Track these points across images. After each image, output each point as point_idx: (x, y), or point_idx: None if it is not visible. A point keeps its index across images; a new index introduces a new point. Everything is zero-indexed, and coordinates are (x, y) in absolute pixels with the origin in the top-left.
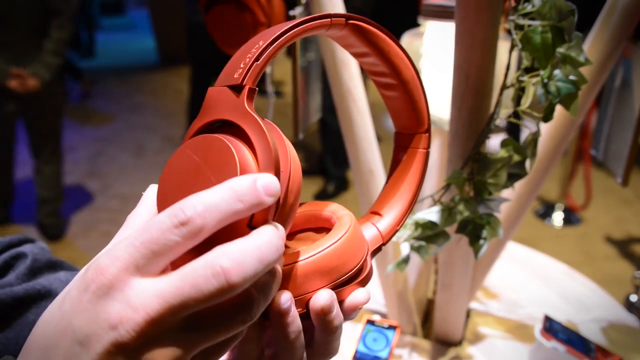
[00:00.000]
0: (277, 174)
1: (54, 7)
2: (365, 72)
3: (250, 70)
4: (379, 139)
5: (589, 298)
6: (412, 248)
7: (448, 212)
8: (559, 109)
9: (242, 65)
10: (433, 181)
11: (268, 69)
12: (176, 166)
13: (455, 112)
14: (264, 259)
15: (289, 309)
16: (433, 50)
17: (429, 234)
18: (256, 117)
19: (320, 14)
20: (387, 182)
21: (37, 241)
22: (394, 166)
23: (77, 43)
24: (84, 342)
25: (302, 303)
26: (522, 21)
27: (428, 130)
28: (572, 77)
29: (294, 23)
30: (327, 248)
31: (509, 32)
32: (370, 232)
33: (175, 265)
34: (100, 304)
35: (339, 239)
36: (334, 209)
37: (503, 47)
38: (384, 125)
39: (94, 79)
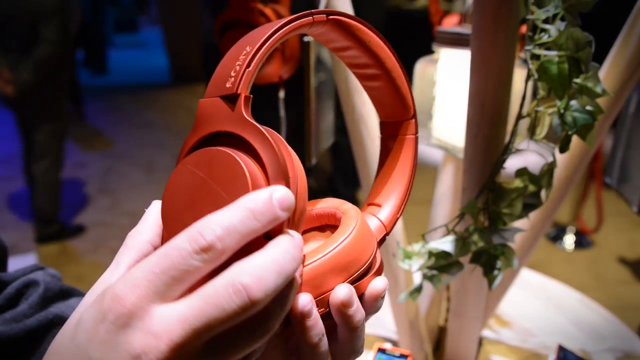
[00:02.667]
0: (288, 183)
1: (40, 31)
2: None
3: (243, 78)
4: None
5: (603, 327)
6: (425, 277)
7: (462, 242)
8: (574, 137)
9: (233, 74)
10: (447, 209)
11: (281, 94)
12: (179, 183)
13: (471, 140)
14: (283, 272)
15: (310, 311)
16: (447, 78)
17: (443, 264)
18: (258, 126)
19: (303, 12)
20: (379, 172)
21: (47, 268)
22: (384, 155)
23: (90, 60)
24: None
25: (323, 303)
26: (538, 51)
27: (414, 116)
28: (588, 108)
29: (279, 24)
30: (341, 243)
31: (524, 60)
32: (373, 223)
33: (193, 286)
34: (120, 334)
35: (351, 233)
36: (335, 204)
37: (518, 75)
38: None
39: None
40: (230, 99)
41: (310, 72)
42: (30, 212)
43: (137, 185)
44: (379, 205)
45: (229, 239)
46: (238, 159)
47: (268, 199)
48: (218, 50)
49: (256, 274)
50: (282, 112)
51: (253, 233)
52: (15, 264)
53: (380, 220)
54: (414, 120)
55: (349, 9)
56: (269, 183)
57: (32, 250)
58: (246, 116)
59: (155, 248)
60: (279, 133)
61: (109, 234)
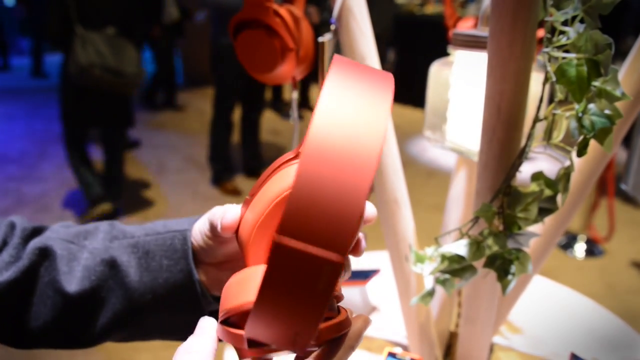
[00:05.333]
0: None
1: None
2: None
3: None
4: (403, 164)
5: (616, 336)
6: (437, 281)
7: (476, 246)
8: (590, 142)
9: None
10: (459, 214)
11: (294, 95)
12: None
13: (486, 144)
14: None
15: None
16: (462, 80)
17: (456, 268)
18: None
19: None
20: None
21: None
22: None
23: None
24: None
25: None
26: (556, 53)
27: None
28: (607, 112)
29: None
30: None
31: (542, 64)
32: None
33: None
34: None
35: None
36: None
37: (535, 78)
38: (407, 150)
39: None
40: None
41: (325, 74)
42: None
43: (148, 186)
44: None
45: None
46: None
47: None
48: (227, 52)
49: None
50: (295, 114)
51: None
52: None
53: None
54: None
55: (364, 12)
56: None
57: None
58: None
59: None
60: (292, 134)
61: None
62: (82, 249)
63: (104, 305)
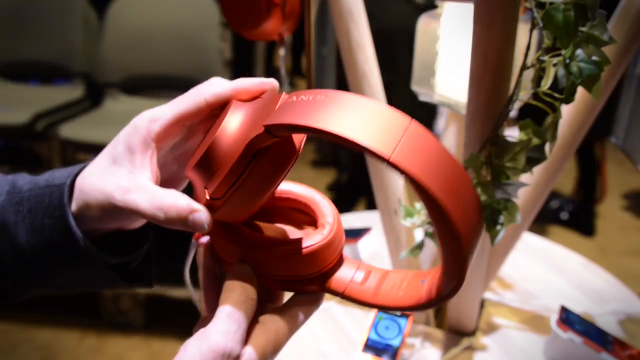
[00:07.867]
0: None
1: None
2: None
3: None
4: None
5: (607, 290)
6: (427, 234)
7: None
8: (579, 93)
9: None
10: None
11: (281, 52)
12: None
13: (473, 94)
14: None
15: None
16: (451, 32)
17: None
18: None
19: None
20: None
21: None
22: None
23: None
24: None
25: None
26: None
27: None
28: (594, 58)
29: None
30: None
31: (529, 10)
32: None
33: None
34: None
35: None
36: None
37: (522, 29)
38: None
39: None
40: None
41: (311, 43)
42: None
43: None
44: None
45: None
46: None
47: None
48: None
49: None
50: (282, 71)
51: None
52: None
53: None
54: None
55: None
56: None
57: None
58: None
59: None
60: (280, 92)
61: None
62: None
63: (5, 264)
